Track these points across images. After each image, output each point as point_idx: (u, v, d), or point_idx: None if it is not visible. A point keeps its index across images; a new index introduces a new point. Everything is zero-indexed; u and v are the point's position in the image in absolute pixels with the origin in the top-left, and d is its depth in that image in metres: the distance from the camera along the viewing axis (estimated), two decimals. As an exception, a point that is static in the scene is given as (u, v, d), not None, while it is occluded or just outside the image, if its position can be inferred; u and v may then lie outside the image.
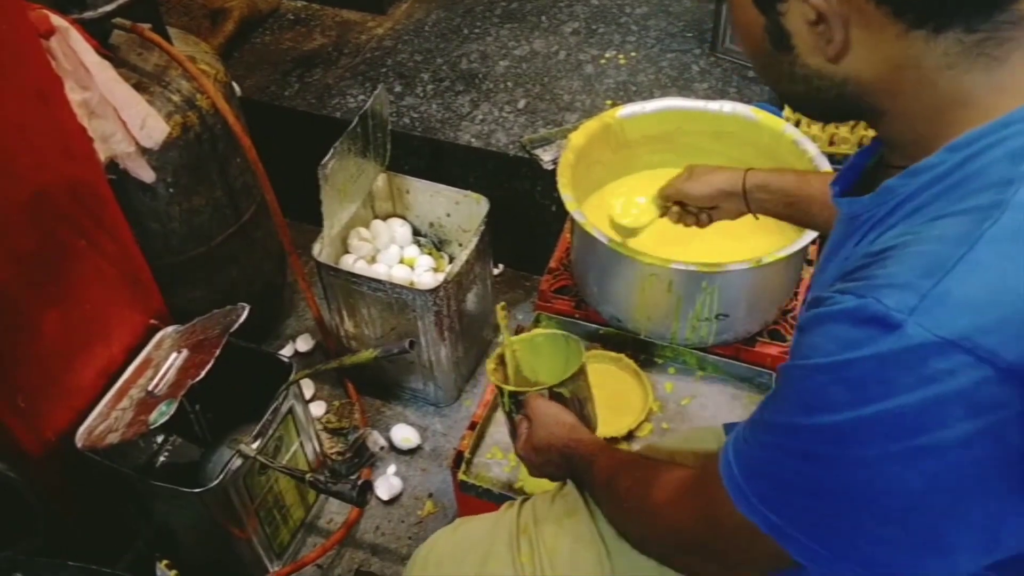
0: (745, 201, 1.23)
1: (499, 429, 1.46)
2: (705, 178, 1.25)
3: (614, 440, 1.40)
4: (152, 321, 1.57)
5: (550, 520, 1.05)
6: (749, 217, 1.62)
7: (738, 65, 2.25)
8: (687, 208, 1.30)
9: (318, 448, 1.71)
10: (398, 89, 2.26)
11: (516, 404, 1.11)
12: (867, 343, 0.57)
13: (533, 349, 1.24)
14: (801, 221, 1.23)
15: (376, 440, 1.45)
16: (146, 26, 1.55)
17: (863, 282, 0.60)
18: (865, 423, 0.58)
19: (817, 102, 0.70)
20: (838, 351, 0.59)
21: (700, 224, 1.30)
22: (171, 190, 1.59)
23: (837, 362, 0.59)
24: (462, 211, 1.94)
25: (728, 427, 1.13)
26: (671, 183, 1.29)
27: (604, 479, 0.94)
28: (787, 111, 1.86)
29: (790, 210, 1.21)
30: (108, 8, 1.48)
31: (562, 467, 1.04)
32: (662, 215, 1.33)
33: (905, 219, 0.63)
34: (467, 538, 1.09)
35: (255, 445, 1.44)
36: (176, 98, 1.57)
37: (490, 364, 1.20)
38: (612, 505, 0.93)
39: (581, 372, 1.13)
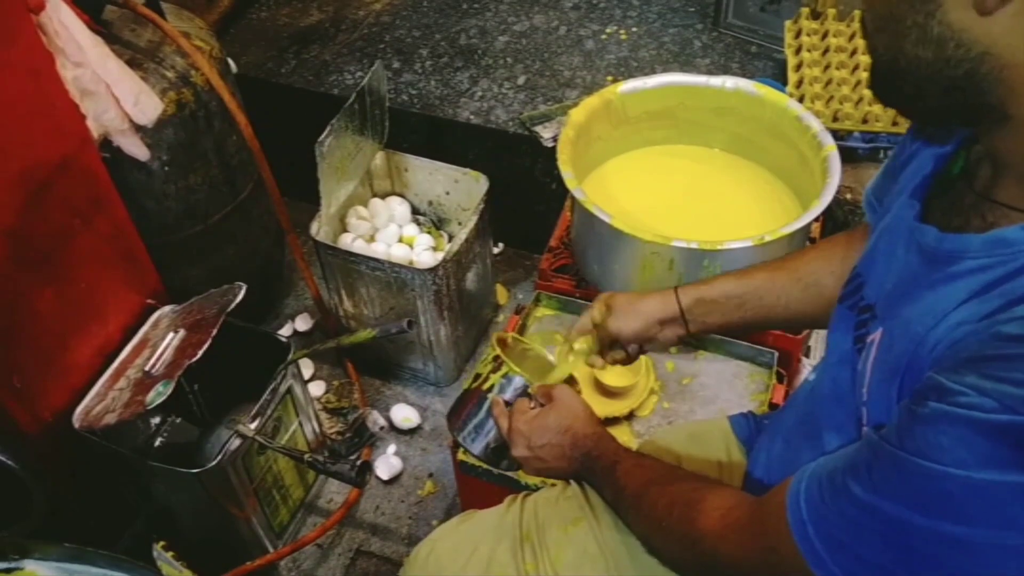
0: (684, 322, 1.05)
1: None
2: (633, 309, 1.06)
3: (615, 420, 1.39)
4: (149, 301, 1.55)
5: (553, 526, 1.02)
6: (753, 193, 1.61)
7: (741, 40, 2.22)
8: (613, 345, 1.11)
9: (317, 428, 1.70)
10: (396, 65, 2.23)
11: (505, 384, 1.04)
12: (1016, 467, 0.52)
13: (522, 353, 1.16)
14: (755, 323, 1.05)
15: (376, 420, 1.44)
16: (139, 1, 1.52)
17: (1008, 386, 0.52)
18: (999, 548, 0.54)
19: (938, 80, 0.60)
20: (977, 466, 0.53)
21: (628, 360, 1.11)
22: (166, 168, 1.57)
23: (975, 479, 0.54)
24: (461, 189, 1.92)
25: (734, 420, 1.09)
26: (592, 323, 1.08)
27: (635, 489, 0.88)
28: (791, 86, 1.84)
29: (741, 312, 1.03)
30: (100, -17, 1.46)
31: (571, 460, 0.96)
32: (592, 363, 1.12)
33: None
34: (470, 539, 1.07)
35: (253, 425, 1.43)
36: (170, 75, 1.55)
37: (497, 338, 1.10)
38: (644, 520, 0.87)
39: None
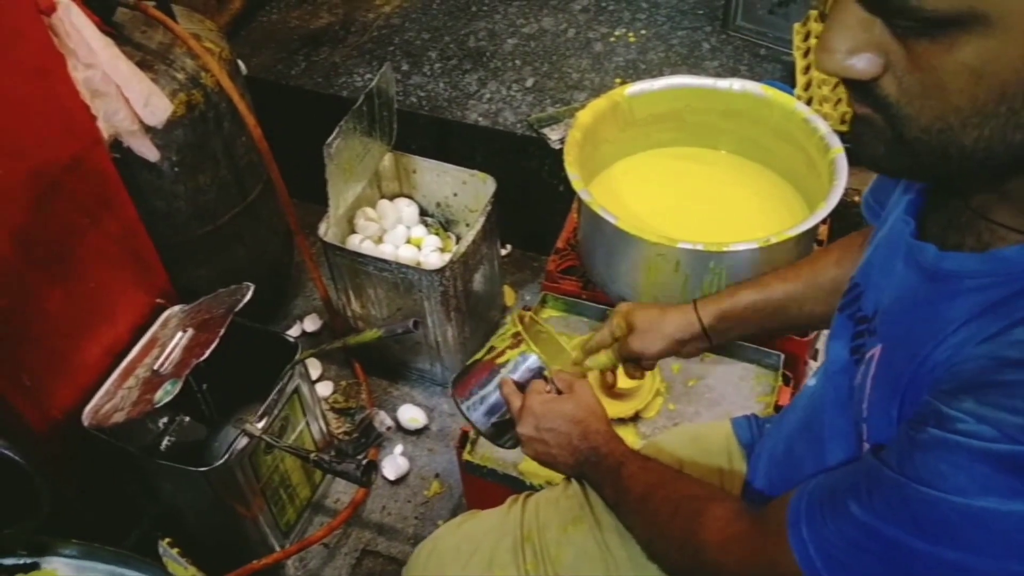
0: (707, 338, 1.04)
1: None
2: (654, 329, 1.04)
3: (621, 421, 1.39)
4: (158, 300, 1.57)
5: (554, 526, 1.02)
6: (760, 195, 1.61)
7: (749, 43, 2.22)
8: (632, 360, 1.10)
9: (324, 428, 1.71)
10: (405, 67, 2.24)
11: (520, 362, 1.03)
12: (1018, 496, 0.52)
13: (537, 334, 1.16)
14: (777, 330, 1.04)
15: (383, 420, 1.45)
16: (151, 3, 1.54)
17: (1007, 414, 0.52)
18: (1002, 573, 0.54)
19: (1018, 158, 0.55)
20: (977, 494, 0.53)
21: (643, 373, 1.12)
22: (176, 169, 1.59)
23: (975, 507, 0.53)
24: (469, 191, 1.93)
25: (736, 423, 1.08)
26: (612, 338, 1.08)
27: (638, 493, 0.87)
28: (799, 89, 1.84)
29: (764, 321, 1.02)
30: (112, -15, 1.47)
31: (575, 452, 0.95)
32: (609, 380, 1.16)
33: None
34: (471, 538, 1.07)
35: (260, 424, 1.44)
36: (180, 76, 1.56)
37: (518, 314, 1.09)
38: (646, 525, 0.87)
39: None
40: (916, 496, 0.56)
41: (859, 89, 0.57)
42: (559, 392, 1.00)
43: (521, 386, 1.02)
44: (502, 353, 1.04)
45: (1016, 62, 0.50)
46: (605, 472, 0.93)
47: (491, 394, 1.04)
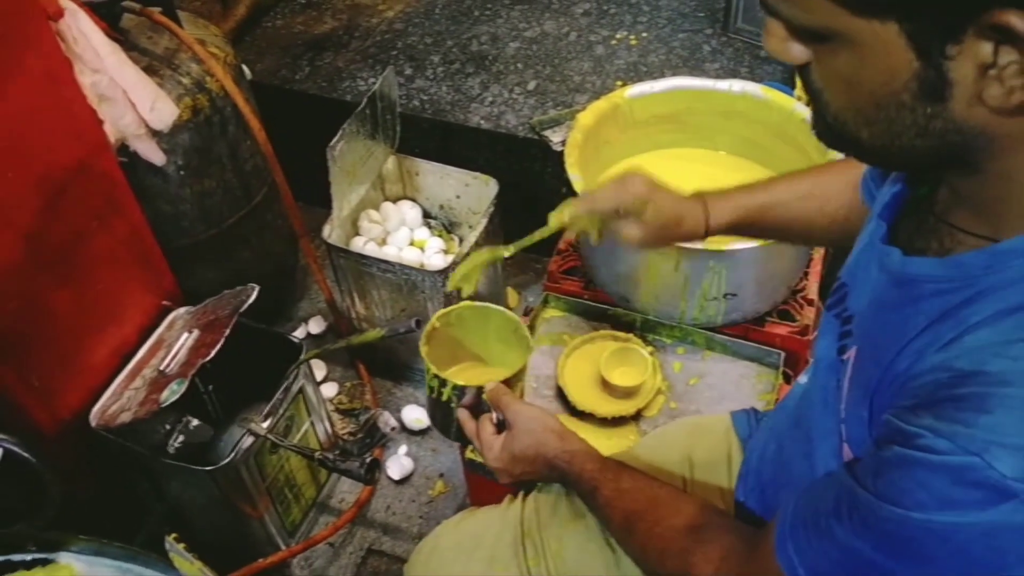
0: (703, 204, 1.05)
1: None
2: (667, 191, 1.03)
3: (622, 420, 1.40)
4: (164, 302, 1.58)
5: (555, 523, 1.03)
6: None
7: (750, 45, 2.23)
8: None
9: (329, 428, 1.73)
10: (408, 71, 2.26)
11: (459, 395, 1.02)
12: (973, 508, 0.53)
13: (459, 322, 1.13)
14: (775, 223, 1.04)
15: (387, 420, 1.46)
16: (156, 10, 1.55)
17: (960, 427, 0.53)
18: None
19: (926, 156, 0.58)
20: (936, 508, 0.54)
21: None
22: (182, 172, 1.61)
23: (935, 522, 0.54)
24: (472, 193, 1.94)
25: (735, 416, 1.09)
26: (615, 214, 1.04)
27: (619, 523, 0.87)
28: (798, 90, 1.85)
29: (764, 211, 1.03)
30: (118, -9, 1.49)
31: (552, 477, 0.96)
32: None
33: (995, 322, 0.55)
34: (471, 536, 1.08)
35: (265, 424, 1.45)
36: (186, 81, 1.58)
37: (423, 347, 1.04)
38: (638, 557, 0.87)
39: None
40: (884, 515, 0.58)
41: (800, 73, 0.62)
42: (505, 424, 0.97)
43: (474, 409, 1.01)
44: (440, 393, 1.03)
45: (880, 76, 0.55)
46: (583, 496, 0.93)
47: (453, 423, 1.04)
